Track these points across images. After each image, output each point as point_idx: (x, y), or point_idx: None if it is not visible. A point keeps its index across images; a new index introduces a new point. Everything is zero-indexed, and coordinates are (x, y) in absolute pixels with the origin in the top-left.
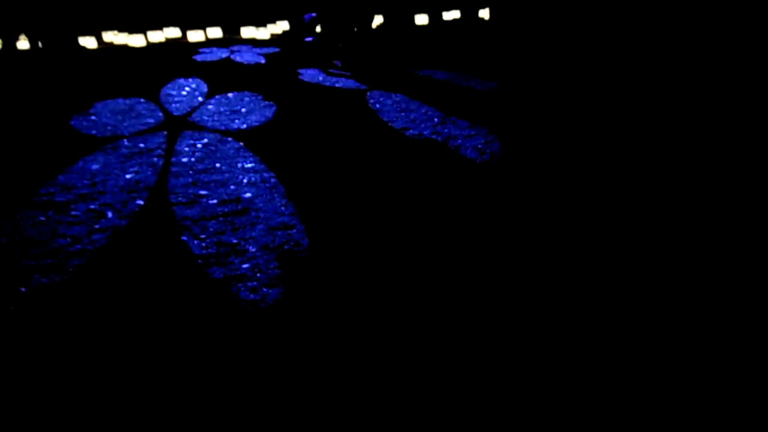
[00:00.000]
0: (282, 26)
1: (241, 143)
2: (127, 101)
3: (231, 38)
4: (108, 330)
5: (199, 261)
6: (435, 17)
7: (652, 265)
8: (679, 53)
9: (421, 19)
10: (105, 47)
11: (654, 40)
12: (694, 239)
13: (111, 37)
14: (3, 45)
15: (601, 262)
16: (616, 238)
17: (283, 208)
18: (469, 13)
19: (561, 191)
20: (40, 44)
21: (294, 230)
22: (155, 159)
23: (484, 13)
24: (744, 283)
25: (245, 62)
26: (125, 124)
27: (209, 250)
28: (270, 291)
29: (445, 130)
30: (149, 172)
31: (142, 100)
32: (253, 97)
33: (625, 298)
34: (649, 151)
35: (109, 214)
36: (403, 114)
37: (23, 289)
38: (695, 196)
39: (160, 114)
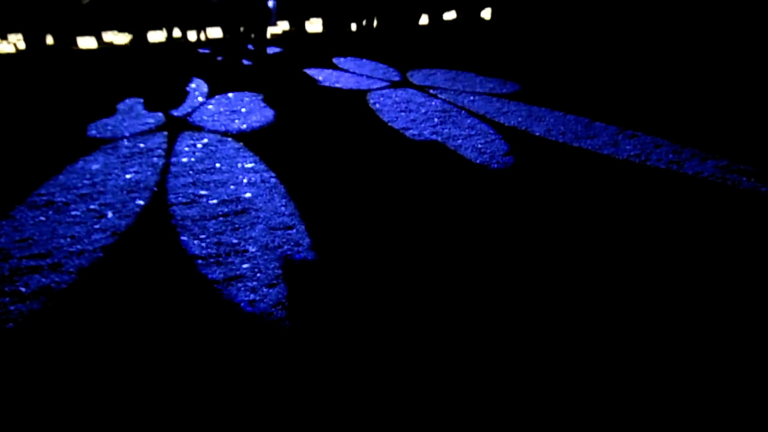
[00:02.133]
0: (282, 26)
1: (241, 143)
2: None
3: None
4: (108, 329)
5: (199, 261)
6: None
7: (651, 265)
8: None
9: (421, 19)
10: (105, 47)
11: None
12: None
13: (111, 37)
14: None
15: (599, 263)
16: (614, 239)
17: (282, 208)
18: (470, 13)
19: (561, 191)
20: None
21: (294, 230)
22: (155, 159)
23: (486, 14)
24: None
25: (245, 62)
26: (125, 124)
27: (209, 250)
28: (270, 291)
29: (445, 130)
30: (149, 172)
31: (141, 99)
32: (253, 97)
33: (624, 297)
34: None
35: (109, 214)
36: (403, 114)
37: (23, 290)
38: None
39: (160, 114)
